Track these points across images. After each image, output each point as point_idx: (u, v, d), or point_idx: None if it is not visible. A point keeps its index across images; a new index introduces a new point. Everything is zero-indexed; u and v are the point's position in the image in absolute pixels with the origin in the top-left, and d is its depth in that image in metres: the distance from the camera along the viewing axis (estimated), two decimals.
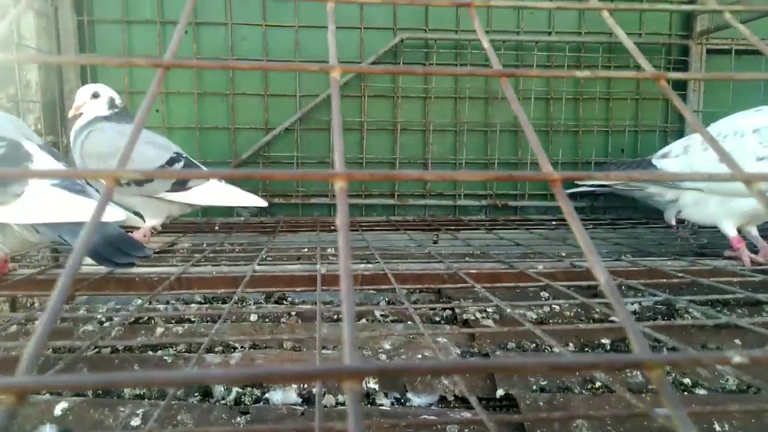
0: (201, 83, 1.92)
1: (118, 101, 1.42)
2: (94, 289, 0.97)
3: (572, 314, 1.18)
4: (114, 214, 0.89)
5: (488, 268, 1.15)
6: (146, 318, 1.13)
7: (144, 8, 1.88)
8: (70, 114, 1.40)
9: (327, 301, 1.40)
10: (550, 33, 1.99)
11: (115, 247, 0.87)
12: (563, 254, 1.32)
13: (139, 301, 1.25)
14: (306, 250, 1.48)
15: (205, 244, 1.44)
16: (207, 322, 1.10)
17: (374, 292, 1.31)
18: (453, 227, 1.79)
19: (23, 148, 0.87)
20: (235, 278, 1.08)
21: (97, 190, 0.93)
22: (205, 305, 1.19)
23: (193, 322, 1.12)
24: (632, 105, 2.06)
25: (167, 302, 1.22)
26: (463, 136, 2.00)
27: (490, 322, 1.05)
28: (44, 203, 0.82)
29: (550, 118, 2.02)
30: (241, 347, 0.97)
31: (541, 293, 1.30)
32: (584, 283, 1.09)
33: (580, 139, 2.04)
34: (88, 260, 1.20)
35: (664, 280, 1.05)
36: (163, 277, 1.00)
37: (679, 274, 1.05)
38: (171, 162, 1.36)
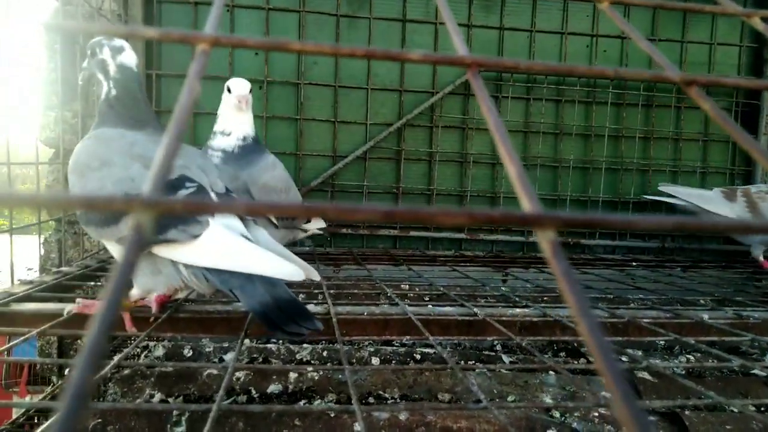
0: (270, 107, 1.85)
1: None
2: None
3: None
4: (289, 271, 0.74)
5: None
6: (261, 359, 1.04)
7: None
8: (243, 107, 1.27)
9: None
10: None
11: (285, 313, 0.72)
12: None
13: (247, 341, 1.16)
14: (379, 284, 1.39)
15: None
16: (331, 364, 1.00)
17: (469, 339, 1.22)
18: (523, 264, 1.71)
19: (209, 195, 0.83)
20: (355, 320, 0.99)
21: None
22: (319, 346, 1.09)
23: (313, 364, 1.02)
24: (701, 146, 2.04)
25: (277, 341, 1.12)
26: (535, 171, 1.95)
27: (646, 375, 0.97)
28: (220, 249, 0.74)
29: (620, 155, 1.98)
30: (392, 398, 0.88)
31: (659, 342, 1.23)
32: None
33: (649, 179, 2.01)
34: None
35: None
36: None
37: None
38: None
